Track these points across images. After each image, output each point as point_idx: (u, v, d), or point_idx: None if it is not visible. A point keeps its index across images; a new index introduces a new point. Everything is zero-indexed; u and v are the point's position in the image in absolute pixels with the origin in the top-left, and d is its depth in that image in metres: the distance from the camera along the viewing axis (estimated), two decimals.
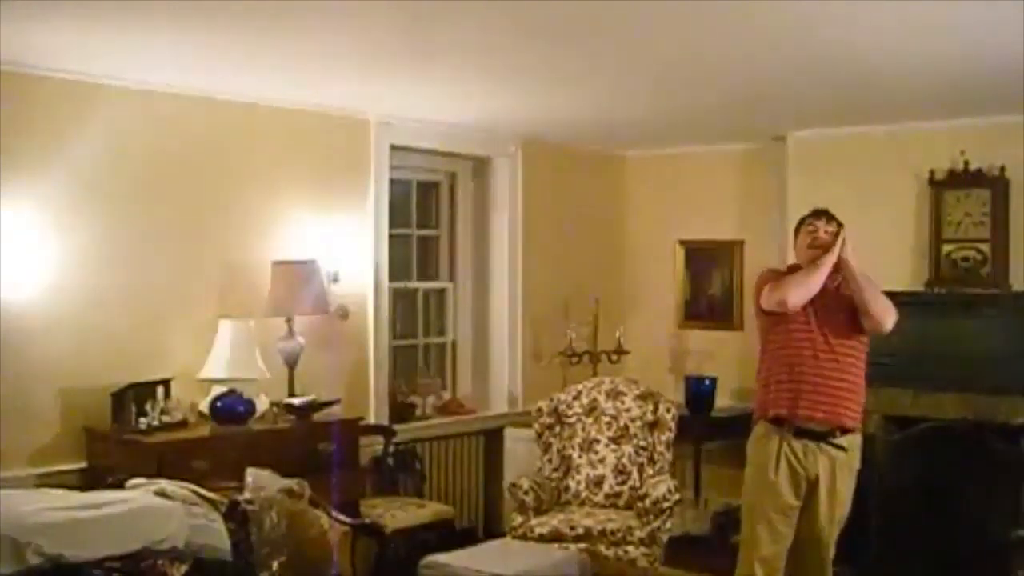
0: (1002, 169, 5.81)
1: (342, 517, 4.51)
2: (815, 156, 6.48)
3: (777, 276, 4.37)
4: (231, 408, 4.88)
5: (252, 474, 4.20)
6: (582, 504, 5.76)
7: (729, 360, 6.92)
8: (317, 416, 5.19)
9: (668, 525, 5.41)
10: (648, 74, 4.91)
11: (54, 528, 3.48)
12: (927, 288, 6.01)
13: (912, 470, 5.45)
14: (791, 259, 4.67)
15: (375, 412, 5.96)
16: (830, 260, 4.23)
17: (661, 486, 5.46)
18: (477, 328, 6.98)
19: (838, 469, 4.24)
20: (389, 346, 6.16)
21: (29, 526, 3.43)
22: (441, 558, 4.73)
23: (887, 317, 4.24)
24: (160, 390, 4.79)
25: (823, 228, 4.30)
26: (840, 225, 4.31)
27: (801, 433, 4.22)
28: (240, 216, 5.36)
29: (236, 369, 4.98)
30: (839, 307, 4.27)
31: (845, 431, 4.24)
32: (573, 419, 5.96)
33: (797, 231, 4.42)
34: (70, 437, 4.71)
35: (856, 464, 4.32)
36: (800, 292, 4.20)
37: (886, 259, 5.97)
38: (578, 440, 5.91)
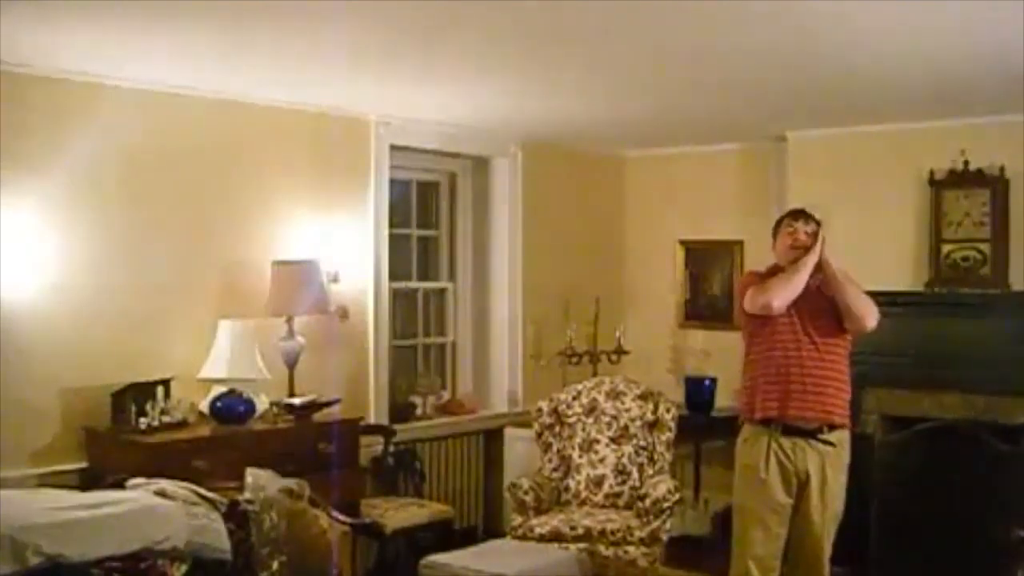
0: (1002, 169, 5.81)
1: (342, 517, 4.51)
2: (815, 156, 6.47)
3: (759, 279, 4.38)
4: (231, 408, 4.89)
5: (252, 474, 4.20)
6: (582, 504, 5.75)
7: (729, 360, 6.85)
8: (317, 416, 5.19)
9: (668, 525, 5.41)
10: (648, 74, 4.91)
11: (54, 528, 3.48)
12: (927, 288, 6.00)
13: (912, 470, 5.44)
14: None
15: (375, 412, 5.95)
16: (811, 260, 4.26)
17: (661, 486, 5.46)
18: (477, 328, 6.98)
19: (828, 465, 4.26)
20: (389, 346, 6.15)
21: (29, 526, 3.43)
22: (441, 558, 4.74)
23: (869, 316, 4.28)
24: (160, 390, 4.79)
25: (802, 229, 4.33)
26: (818, 224, 4.33)
27: (790, 431, 4.24)
28: (240, 216, 5.36)
29: (236, 369, 4.97)
30: (822, 306, 4.30)
31: (833, 427, 4.26)
32: (573, 419, 5.95)
33: (776, 232, 4.44)
34: (70, 437, 4.70)
35: (846, 459, 4.33)
36: (784, 294, 4.23)
37: (886, 259, 5.99)
38: (578, 440, 5.91)
